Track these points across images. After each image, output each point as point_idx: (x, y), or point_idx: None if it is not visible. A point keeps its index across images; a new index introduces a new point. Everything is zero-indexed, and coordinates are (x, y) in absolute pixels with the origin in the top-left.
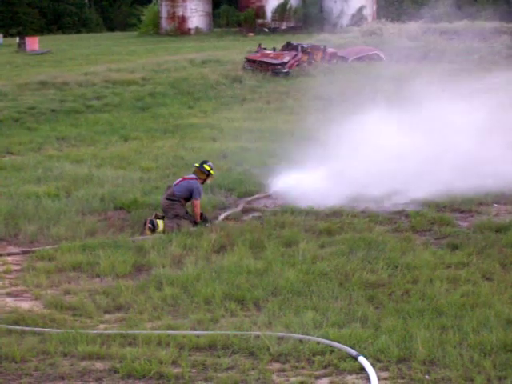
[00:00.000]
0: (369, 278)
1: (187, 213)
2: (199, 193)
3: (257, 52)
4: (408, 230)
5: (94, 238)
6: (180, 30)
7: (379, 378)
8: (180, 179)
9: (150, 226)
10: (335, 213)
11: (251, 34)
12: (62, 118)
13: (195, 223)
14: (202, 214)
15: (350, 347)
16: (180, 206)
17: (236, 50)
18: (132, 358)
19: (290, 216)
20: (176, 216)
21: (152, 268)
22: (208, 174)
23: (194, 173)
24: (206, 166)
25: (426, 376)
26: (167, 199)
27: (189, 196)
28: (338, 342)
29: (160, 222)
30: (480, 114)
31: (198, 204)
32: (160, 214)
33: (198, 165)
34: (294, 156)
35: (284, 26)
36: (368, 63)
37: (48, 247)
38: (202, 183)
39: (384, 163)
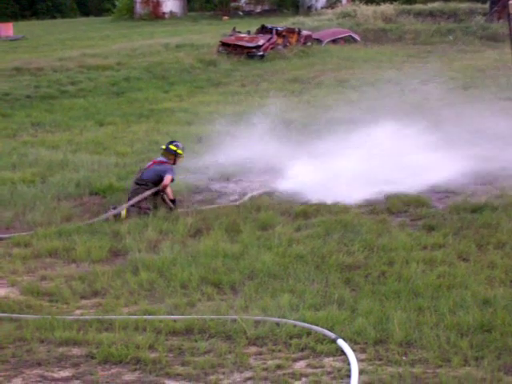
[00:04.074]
0: (345, 260)
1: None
2: (172, 173)
3: (231, 35)
4: (384, 211)
5: (69, 223)
6: (154, 14)
7: (357, 360)
8: (150, 162)
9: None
10: None
11: (226, 18)
12: (37, 104)
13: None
14: (174, 200)
15: (328, 330)
16: (145, 191)
17: (210, 33)
18: (109, 344)
19: (265, 199)
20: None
21: (128, 253)
22: (175, 155)
23: (162, 155)
24: (171, 147)
25: (403, 357)
26: (135, 183)
27: (157, 180)
28: (316, 325)
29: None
30: None
31: (169, 180)
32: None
33: (164, 147)
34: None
35: (258, 9)
36: (342, 45)
37: (24, 233)
38: (174, 164)
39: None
